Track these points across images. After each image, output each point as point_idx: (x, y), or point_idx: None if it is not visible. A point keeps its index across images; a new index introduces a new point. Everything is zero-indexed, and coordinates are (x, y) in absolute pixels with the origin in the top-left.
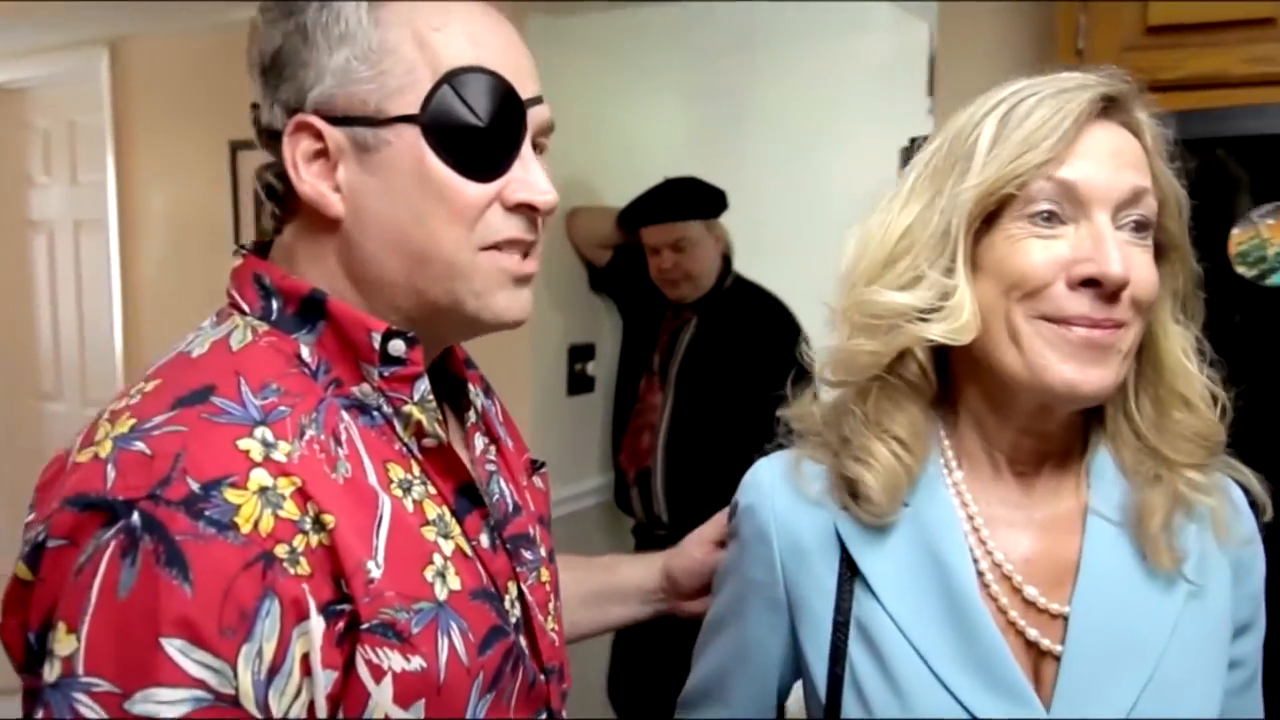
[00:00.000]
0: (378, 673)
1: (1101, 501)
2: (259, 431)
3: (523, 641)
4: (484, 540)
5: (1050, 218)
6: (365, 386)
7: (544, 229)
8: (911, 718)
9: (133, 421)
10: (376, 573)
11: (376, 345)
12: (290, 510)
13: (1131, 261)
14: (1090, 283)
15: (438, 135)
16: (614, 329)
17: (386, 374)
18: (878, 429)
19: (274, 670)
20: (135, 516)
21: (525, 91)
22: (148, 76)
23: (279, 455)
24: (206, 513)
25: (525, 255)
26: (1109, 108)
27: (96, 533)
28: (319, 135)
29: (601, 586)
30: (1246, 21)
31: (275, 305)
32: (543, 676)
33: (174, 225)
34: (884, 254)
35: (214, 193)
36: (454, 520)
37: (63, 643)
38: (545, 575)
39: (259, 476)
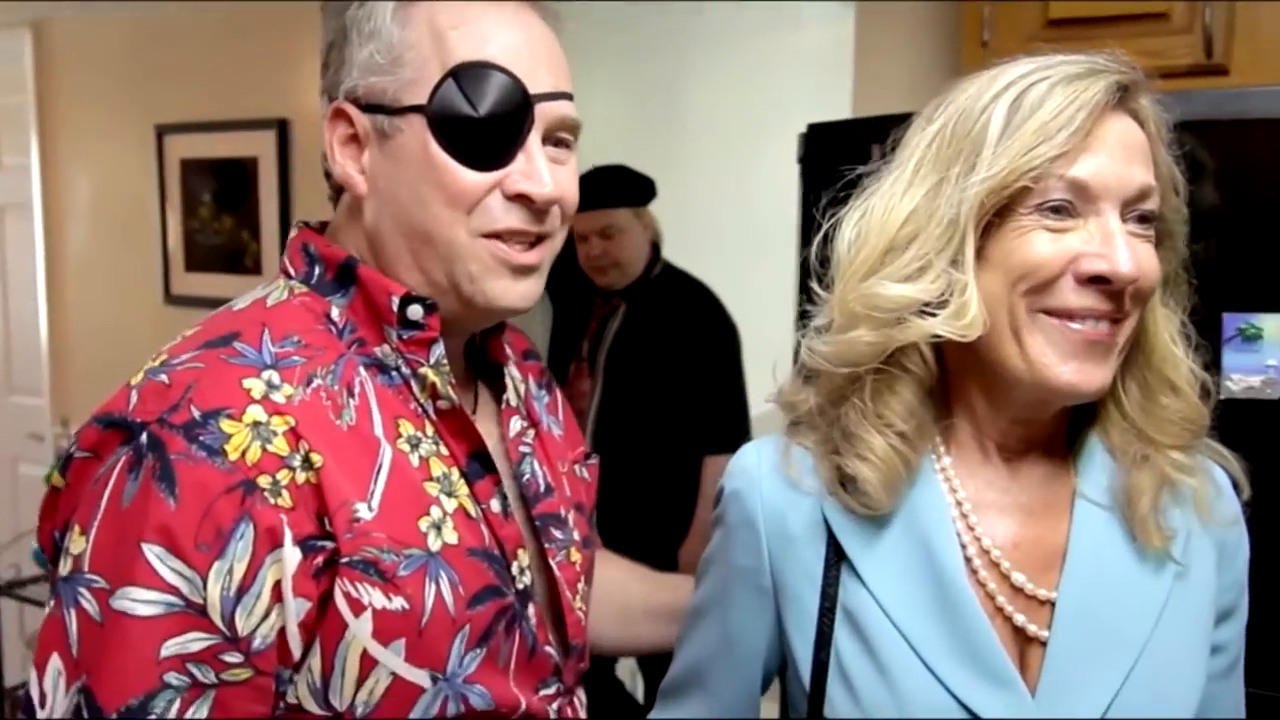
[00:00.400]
0: (356, 606)
1: (1089, 485)
2: (266, 374)
3: (530, 610)
4: (495, 505)
5: (1060, 210)
6: (386, 347)
7: (563, 223)
8: (898, 705)
9: (165, 357)
10: (367, 514)
11: (395, 308)
12: (280, 446)
13: (1137, 256)
14: (1098, 279)
15: (440, 125)
16: (544, 315)
17: (405, 336)
18: (878, 421)
19: (242, 590)
20: (144, 436)
21: (537, 86)
22: (72, 59)
23: (279, 396)
24: (201, 438)
25: (531, 247)
26: (1121, 96)
27: (116, 449)
28: (351, 121)
29: (670, 606)
30: (1142, 16)
31: (317, 271)
32: (550, 649)
33: (99, 209)
34: (885, 241)
35: (140, 176)
36: (463, 481)
37: (76, 542)
38: (577, 557)
39: (254, 411)
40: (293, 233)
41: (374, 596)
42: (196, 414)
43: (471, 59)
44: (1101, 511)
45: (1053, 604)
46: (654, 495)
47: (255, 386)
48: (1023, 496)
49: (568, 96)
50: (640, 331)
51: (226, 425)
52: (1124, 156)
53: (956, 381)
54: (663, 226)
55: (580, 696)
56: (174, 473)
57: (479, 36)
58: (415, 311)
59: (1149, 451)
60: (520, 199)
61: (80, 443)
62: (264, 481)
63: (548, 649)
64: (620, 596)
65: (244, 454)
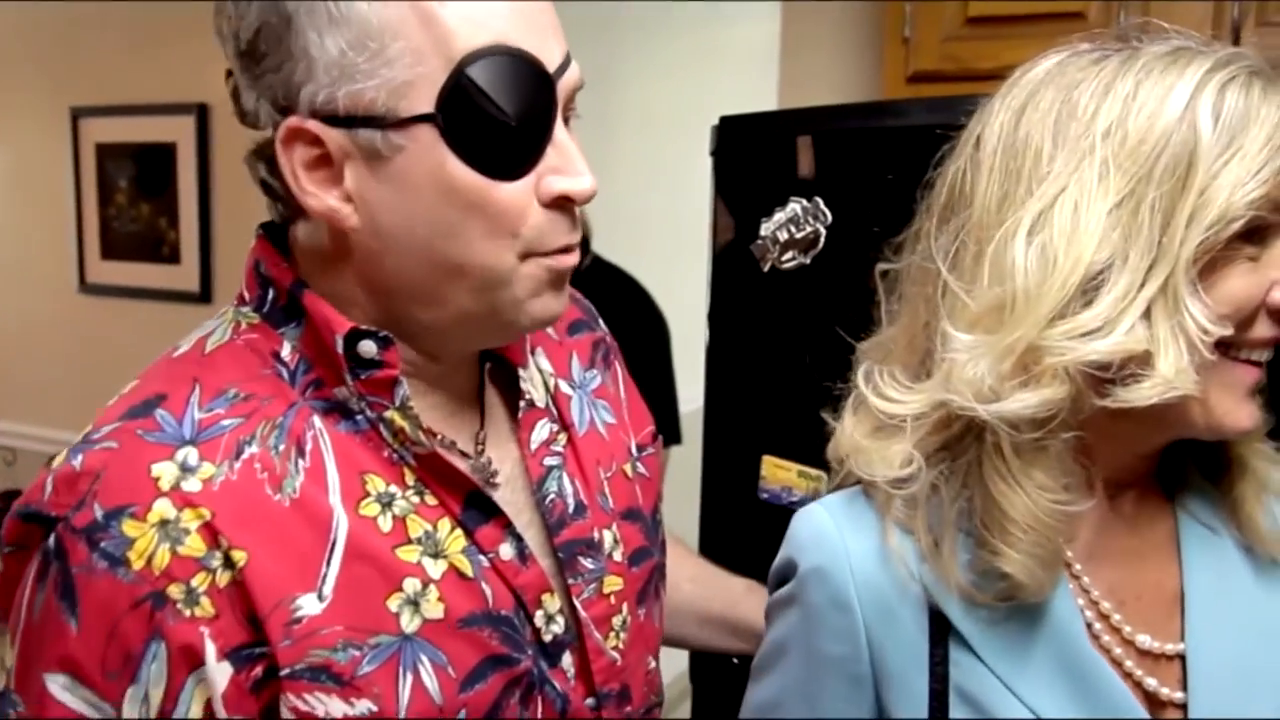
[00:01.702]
0: None
1: (1190, 509)
2: (182, 453)
3: (568, 660)
4: (506, 552)
5: (1261, 232)
6: (343, 389)
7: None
8: None
9: (89, 429)
10: (316, 607)
11: (339, 348)
12: (193, 546)
13: None
14: None
15: (458, 135)
16: None
17: (362, 377)
18: (1029, 483)
19: (164, 717)
20: (51, 539)
21: (553, 60)
22: None
23: (192, 483)
24: (102, 544)
25: (567, 250)
26: None
27: (40, 544)
28: (317, 139)
29: (724, 614)
30: (1060, 15)
31: (270, 295)
32: (590, 700)
33: (11, 193)
34: (1080, 271)
35: (54, 161)
36: (459, 533)
37: (8, 653)
38: (614, 584)
39: (161, 507)
40: (253, 241)
41: (331, 706)
42: (99, 514)
43: (482, 45)
44: (1210, 537)
45: (1181, 658)
46: None
47: (165, 473)
48: (1129, 540)
49: (570, 59)
50: None
51: (129, 527)
52: None
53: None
54: (592, 220)
55: None
56: (74, 588)
57: (480, 9)
58: (367, 348)
59: (1242, 452)
60: (560, 201)
61: (5, 535)
62: (175, 591)
63: (588, 702)
64: (671, 594)
65: (149, 561)
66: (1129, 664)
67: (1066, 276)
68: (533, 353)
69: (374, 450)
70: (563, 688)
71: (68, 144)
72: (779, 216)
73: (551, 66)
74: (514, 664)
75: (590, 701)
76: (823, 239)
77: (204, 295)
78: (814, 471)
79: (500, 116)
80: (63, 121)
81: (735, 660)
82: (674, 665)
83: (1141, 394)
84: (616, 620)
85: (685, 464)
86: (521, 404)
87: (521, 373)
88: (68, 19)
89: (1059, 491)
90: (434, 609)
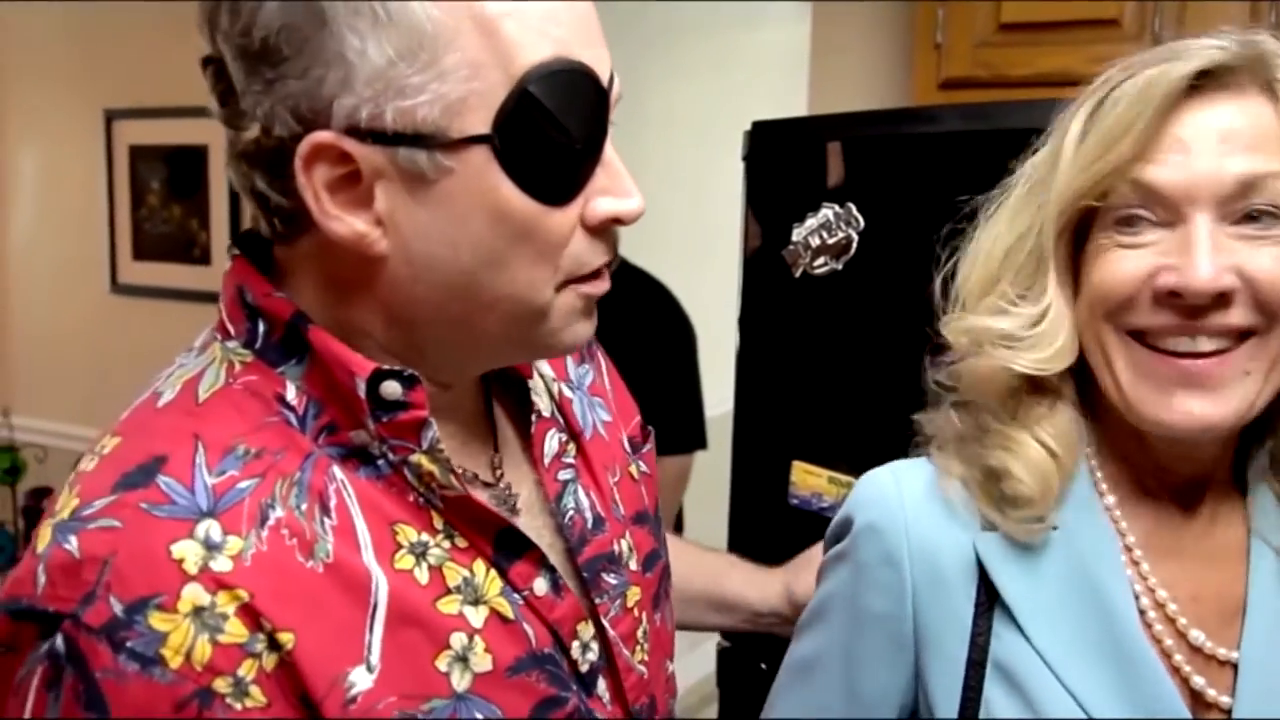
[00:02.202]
0: None
1: (1263, 525)
2: (203, 528)
3: (602, 685)
4: (540, 587)
5: (1131, 222)
6: (362, 433)
7: None
8: None
9: (76, 503)
10: (367, 681)
11: (362, 392)
12: (235, 632)
13: (1246, 262)
14: (1175, 294)
15: (515, 158)
16: None
17: (385, 420)
18: (1026, 428)
19: None
20: (59, 640)
21: (605, 71)
22: (18, 41)
23: (222, 562)
24: (129, 644)
25: (598, 274)
26: (1224, 78)
27: (35, 644)
28: (346, 156)
29: (708, 591)
30: (1093, 21)
31: (261, 329)
32: None
33: (45, 195)
34: (989, 272)
35: (87, 163)
36: (493, 576)
37: None
38: (634, 596)
39: (193, 594)
40: (228, 263)
41: None
42: (119, 609)
43: (545, 59)
44: (1276, 558)
45: (1234, 665)
46: None
47: (189, 553)
48: (1196, 540)
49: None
50: (598, 330)
51: (158, 620)
52: (1218, 150)
53: (1104, 416)
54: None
55: None
56: (103, 697)
57: (541, 18)
58: (392, 390)
59: None
60: (609, 224)
61: None
62: (222, 685)
63: None
64: None
65: (189, 656)
66: (1178, 658)
67: (978, 278)
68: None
69: (399, 496)
70: (604, 715)
71: (101, 146)
72: (811, 222)
73: (605, 79)
74: (563, 704)
75: None
76: (855, 244)
77: None
78: (844, 477)
79: (561, 138)
80: (96, 123)
81: (764, 665)
82: (700, 668)
83: (1014, 360)
84: (639, 632)
85: (713, 469)
86: (533, 417)
87: (529, 383)
88: (100, 21)
89: (1045, 444)
90: (482, 661)
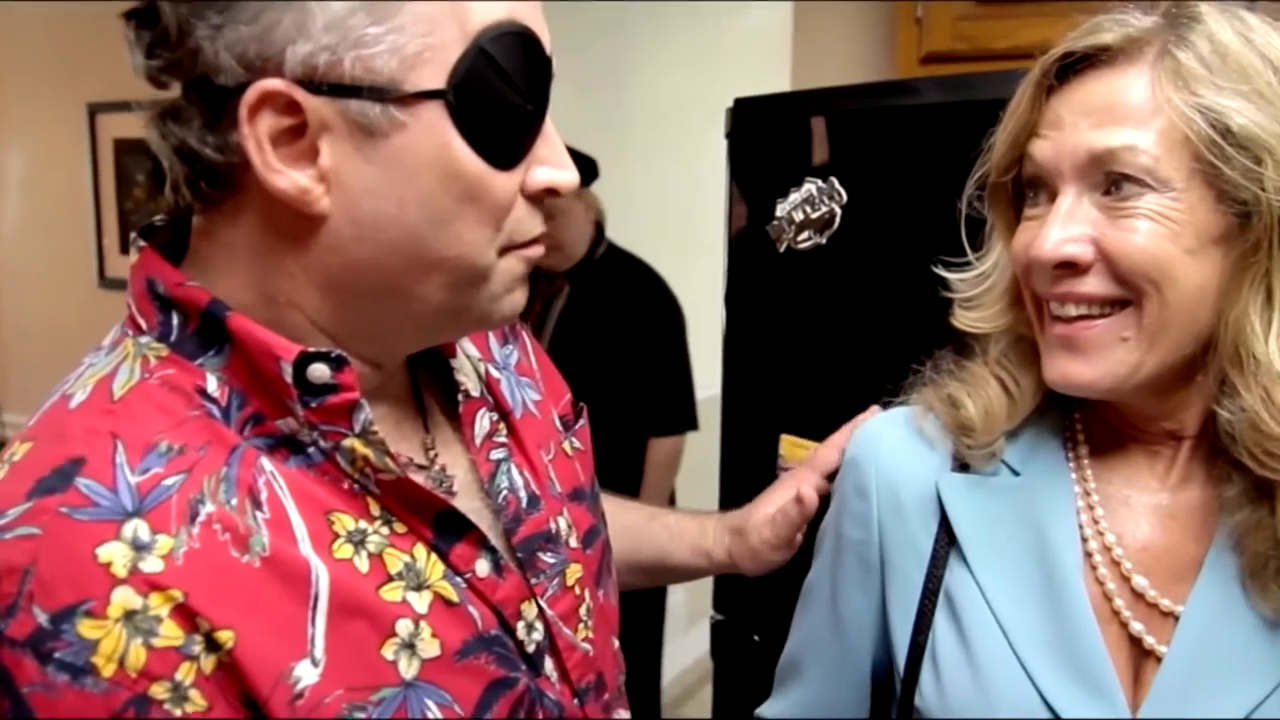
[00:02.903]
0: None
1: (1230, 490)
2: (130, 528)
3: (549, 665)
4: (482, 568)
5: (1035, 194)
6: (290, 421)
7: None
8: (983, 700)
9: None
10: (313, 675)
11: (288, 376)
12: (170, 634)
13: (1104, 235)
14: (1053, 264)
15: (468, 116)
16: None
17: (314, 405)
18: (995, 365)
19: None
20: None
21: (548, 44)
22: (0, 36)
23: (153, 562)
24: (57, 654)
25: (537, 241)
26: (1107, 56)
27: None
28: (293, 106)
29: (652, 563)
30: None
31: (175, 321)
32: (575, 700)
33: (31, 192)
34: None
35: (72, 156)
36: (434, 559)
37: None
38: (575, 573)
39: (123, 597)
40: (133, 255)
41: None
42: (43, 619)
43: (500, 20)
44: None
45: (1177, 618)
46: (598, 477)
47: (116, 556)
48: (1169, 498)
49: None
50: (584, 313)
51: (87, 628)
52: (1083, 124)
53: None
54: (606, 208)
55: (622, 717)
56: (32, 712)
57: None
58: (319, 372)
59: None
60: (545, 194)
61: None
62: (159, 691)
63: (575, 702)
64: None
65: (122, 662)
66: (1119, 603)
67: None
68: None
69: (333, 484)
70: (554, 695)
71: (85, 139)
72: (794, 197)
73: (549, 49)
74: (514, 685)
75: (575, 701)
76: (838, 219)
77: None
78: None
79: (513, 99)
80: (80, 117)
81: (757, 638)
82: (698, 646)
83: (959, 318)
84: (582, 610)
85: (703, 449)
86: (460, 397)
87: (453, 363)
88: (84, 14)
89: (1012, 376)
90: (430, 647)
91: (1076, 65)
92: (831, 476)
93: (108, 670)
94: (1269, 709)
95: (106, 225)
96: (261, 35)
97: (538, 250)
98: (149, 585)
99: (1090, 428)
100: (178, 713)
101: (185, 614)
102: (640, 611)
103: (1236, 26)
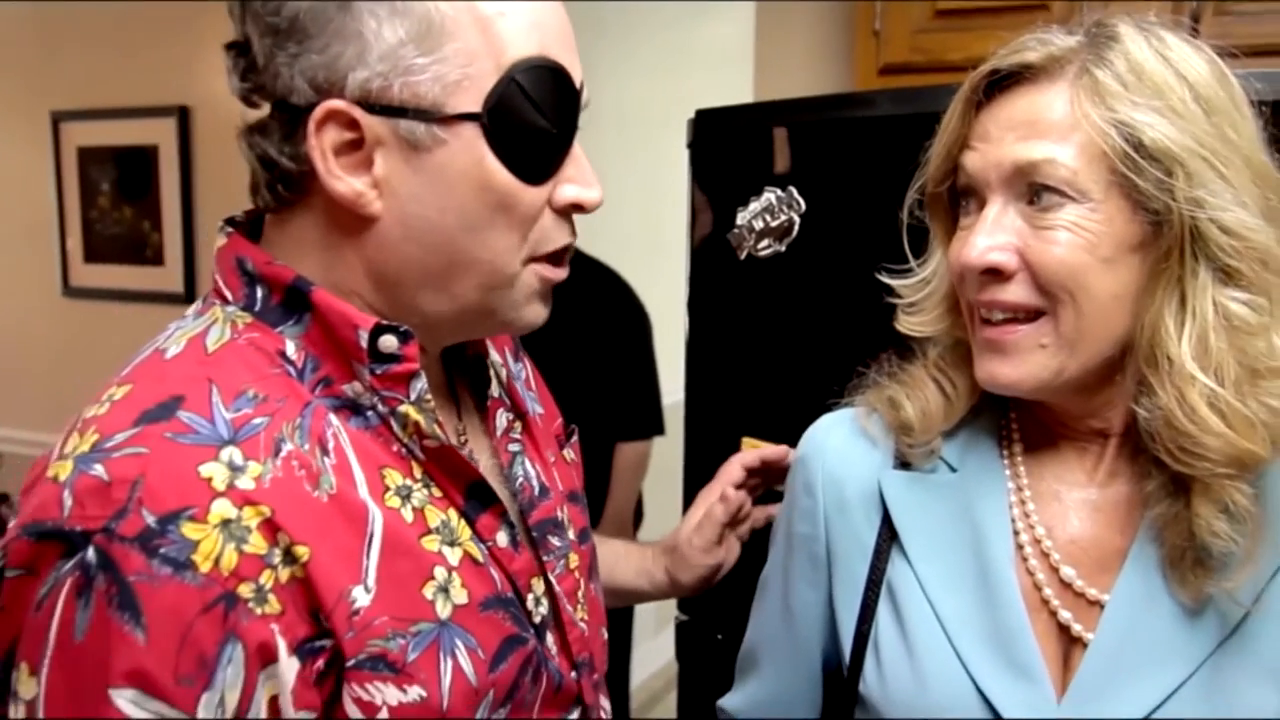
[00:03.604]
0: (370, 709)
1: (1152, 485)
2: (226, 453)
3: (550, 639)
4: (501, 539)
5: (961, 205)
6: (356, 385)
7: None
8: (918, 685)
9: (95, 438)
10: (365, 599)
11: (364, 343)
12: (256, 544)
13: (1029, 246)
14: (980, 271)
15: (500, 137)
16: None
17: (379, 372)
18: (934, 368)
19: (239, 718)
20: (90, 552)
21: (577, 78)
22: None
23: (246, 481)
24: (162, 550)
25: (558, 262)
26: (1030, 74)
27: (56, 564)
28: (353, 122)
29: (605, 581)
30: (1024, 6)
31: (260, 294)
32: (573, 673)
33: None
34: None
35: (35, 165)
36: (464, 523)
37: (25, 685)
38: (575, 560)
39: (221, 508)
40: (219, 240)
41: (387, 694)
42: (151, 520)
43: (530, 56)
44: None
45: (1103, 606)
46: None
47: (216, 474)
48: (1097, 493)
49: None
50: (551, 319)
51: (190, 530)
52: (1007, 137)
53: None
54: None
55: (605, 707)
56: (136, 598)
57: (528, 23)
58: (389, 343)
59: (1202, 478)
60: (572, 209)
61: (10, 558)
62: (246, 591)
63: (572, 676)
64: None
65: (217, 562)
66: (1048, 592)
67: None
68: None
69: (385, 445)
70: (554, 664)
71: (49, 148)
72: (754, 206)
73: (577, 83)
74: (525, 643)
75: (573, 674)
76: (797, 226)
77: (188, 296)
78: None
79: (539, 123)
80: (43, 125)
81: (720, 636)
82: (665, 653)
83: (900, 322)
84: (580, 594)
85: (669, 454)
86: (489, 393)
87: (490, 359)
88: (46, 22)
89: (950, 379)
90: (460, 594)
91: (1003, 82)
92: (758, 472)
93: (205, 567)
94: (1188, 691)
95: (71, 234)
96: (329, 63)
97: (560, 272)
98: (243, 499)
99: (1024, 426)
100: (258, 612)
101: (270, 528)
102: (609, 615)
103: (1155, 45)
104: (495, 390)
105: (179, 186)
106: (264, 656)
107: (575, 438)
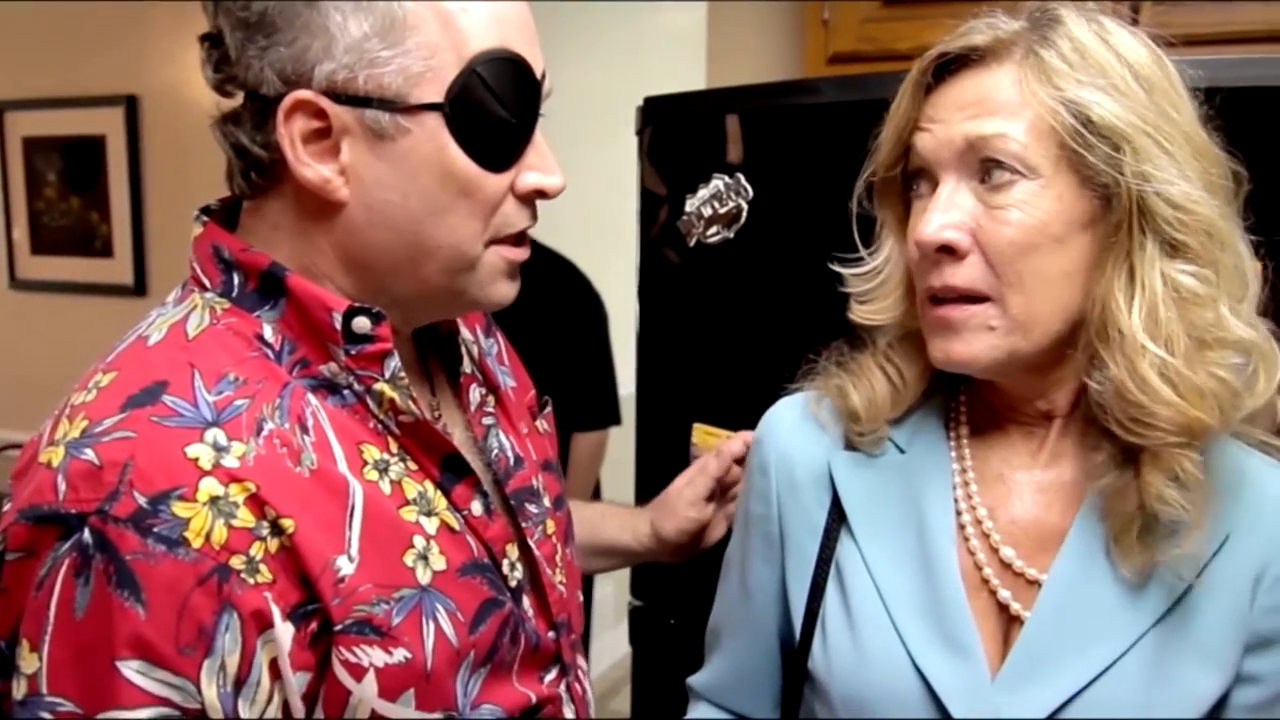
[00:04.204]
0: (357, 671)
1: (1093, 467)
2: (210, 434)
3: (527, 602)
4: (476, 508)
5: (914, 187)
6: (332, 365)
7: None
8: (859, 660)
9: (85, 424)
10: (349, 567)
11: (338, 325)
12: (244, 518)
13: (983, 227)
14: (942, 249)
15: (461, 126)
16: None
17: (353, 352)
18: (882, 357)
19: (240, 681)
20: (86, 533)
21: (539, 67)
22: None
23: (231, 460)
24: (155, 529)
25: (519, 242)
26: (977, 57)
27: (54, 545)
28: (320, 113)
29: (589, 541)
30: None
31: (236, 280)
32: (551, 633)
33: None
34: None
35: None
36: (439, 494)
37: (27, 660)
38: (551, 526)
39: (208, 486)
40: (196, 229)
41: (374, 656)
42: (143, 501)
43: (491, 48)
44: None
45: (1040, 584)
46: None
47: (202, 454)
48: (1041, 474)
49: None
50: (508, 309)
51: (180, 508)
52: (956, 117)
53: None
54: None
55: (582, 665)
56: (134, 575)
57: (488, 17)
58: (362, 324)
59: (1152, 447)
60: (534, 195)
61: (9, 542)
62: (237, 563)
63: (549, 636)
64: None
65: (208, 537)
66: (988, 571)
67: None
68: None
69: (361, 422)
70: (531, 625)
71: None
72: (702, 193)
73: (538, 73)
74: (502, 606)
75: (551, 635)
76: (745, 213)
77: (138, 288)
78: None
79: (500, 113)
80: None
81: (673, 621)
82: (623, 643)
83: (854, 312)
84: (557, 558)
85: (623, 442)
86: (461, 369)
87: (460, 335)
88: None
89: (897, 368)
90: (439, 561)
91: (951, 66)
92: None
93: (197, 542)
94: (1126, 665)
95: (17, 225)
96: (297, 56)
97: (522, 252)
98: (229, 477)
99: (972, 409)
100: (251, 581)
101: (256, 502)
102: None
103: (1094, 29)
104: (467, 367)
105: (127, 177)
106: (259, 623)
107: (548, 410)
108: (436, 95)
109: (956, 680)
